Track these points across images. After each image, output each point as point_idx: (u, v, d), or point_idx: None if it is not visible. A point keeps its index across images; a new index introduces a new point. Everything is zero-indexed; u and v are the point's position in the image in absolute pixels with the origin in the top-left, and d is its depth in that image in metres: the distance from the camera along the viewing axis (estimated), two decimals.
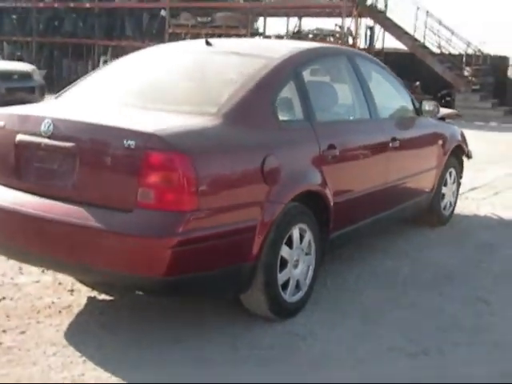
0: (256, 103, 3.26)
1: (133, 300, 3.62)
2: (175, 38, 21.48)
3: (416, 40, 19.41)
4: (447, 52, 19.54)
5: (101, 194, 2.91)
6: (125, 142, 2.79)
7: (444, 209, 5.51)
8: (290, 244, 3.31)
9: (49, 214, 2.94)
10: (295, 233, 3.34)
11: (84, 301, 3.58)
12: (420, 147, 4.86)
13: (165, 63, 3.86)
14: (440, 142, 5.21)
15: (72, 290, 3.73)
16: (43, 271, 4.03)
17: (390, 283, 4.04)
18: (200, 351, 3.01)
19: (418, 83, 20.17)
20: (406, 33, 19.44)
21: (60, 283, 3.83)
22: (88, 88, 3.75)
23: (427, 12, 19.61)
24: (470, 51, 19.84)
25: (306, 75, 3.68)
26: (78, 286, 3.79)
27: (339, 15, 20.96)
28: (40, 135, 3.04)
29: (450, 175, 5.52)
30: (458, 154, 5.60)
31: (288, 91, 3.50)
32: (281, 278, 3.28)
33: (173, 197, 2.77)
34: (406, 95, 4.89)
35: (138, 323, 3.31)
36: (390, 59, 19.98)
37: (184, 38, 21.46)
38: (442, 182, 5.33)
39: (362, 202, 4.01)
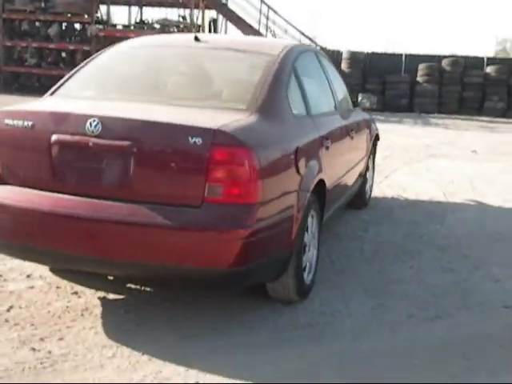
0: (278, 98, 3.42)
1: (146, 296, 3.61)
2: (10, 24, 20.15)
3: (259, 33, 20.20)
4: None
5: (161, 191, 2.89)
6: (190, 139, 2.81)
7: (366, 192, 6.07)
8: (306, 229, 3.54)
9: (104, 214, 2.86)
10: (309, 219, 3.57)
11: (97, 302, 3.49)
12: (361, 136, 5.32)
13: (165, 58, 3.84)
14: (368, 131, 5.73)
15: (76, 293, 3.60)
16: (28, 276, 3.83)
17: (363, 262, 4.43)
18: (249, 338, 3.13)
19: None
20: (250, 26, 20.17)
21: (58, 287, 3.68)
22: (93, 83, 3.62)
23: (268, 6, 20.58)
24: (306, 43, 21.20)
25: (299, 71, 3.90)
26: (78, 288, 3.66)
27: (182, 6, 21.14)
28: (84, 134, 2.93)
29: (370, 161, 6.09)
30: (374, 141, 6.18)
31: (293, 86, 3.70)
32: (304, 261, 3.51)
33: (241, 190, 2.86)
34: (345, 88, 5.31)
35: (171, 317, 3.32)
36: None
37: (20, 24, 20.18)
38: (367, 167, 5.86)
39: (339, 188, 4.36)
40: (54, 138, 2.99)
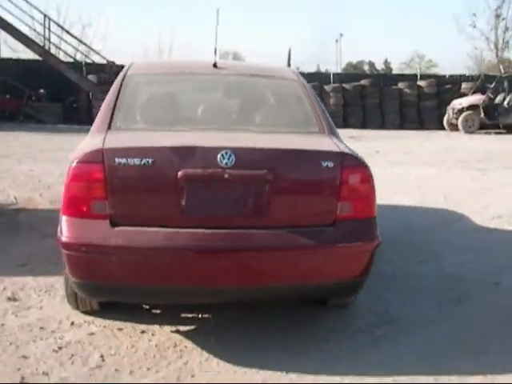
0: (329, 118, 3.69)
1: (212, 323, 3.57)
2: None
3: (38, 44, 19.22)
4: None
5: (296, 214, 3.02)
6: (323, 163, 3.00)
7: None
8: None
9: (251, 243, 2.90)
10: None
11: (176, 336, 3.37)
12: None
13: (205, 86, 3.93)
14: None
15: (144, 331, 3.43)
16: (72, 323, 3.51)
17: None
18: (353, 343, 3.35)
19: (42, 90, 20.12)
20: (34, 42, 19.20)
21: (119, 328, 3.46)
22: (155, 114, 3.56)
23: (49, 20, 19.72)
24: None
25: None
26: (141, 326, 3.47)
27: None
28: (217, 167, 2.90)
29: None
30: None
31: None
32: None
33: (365, 206, 3.12)
34: None
35: (255, 337, 3.37)
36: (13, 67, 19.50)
37: None
38: None
39: None
40: (181, 173, 2.90)
